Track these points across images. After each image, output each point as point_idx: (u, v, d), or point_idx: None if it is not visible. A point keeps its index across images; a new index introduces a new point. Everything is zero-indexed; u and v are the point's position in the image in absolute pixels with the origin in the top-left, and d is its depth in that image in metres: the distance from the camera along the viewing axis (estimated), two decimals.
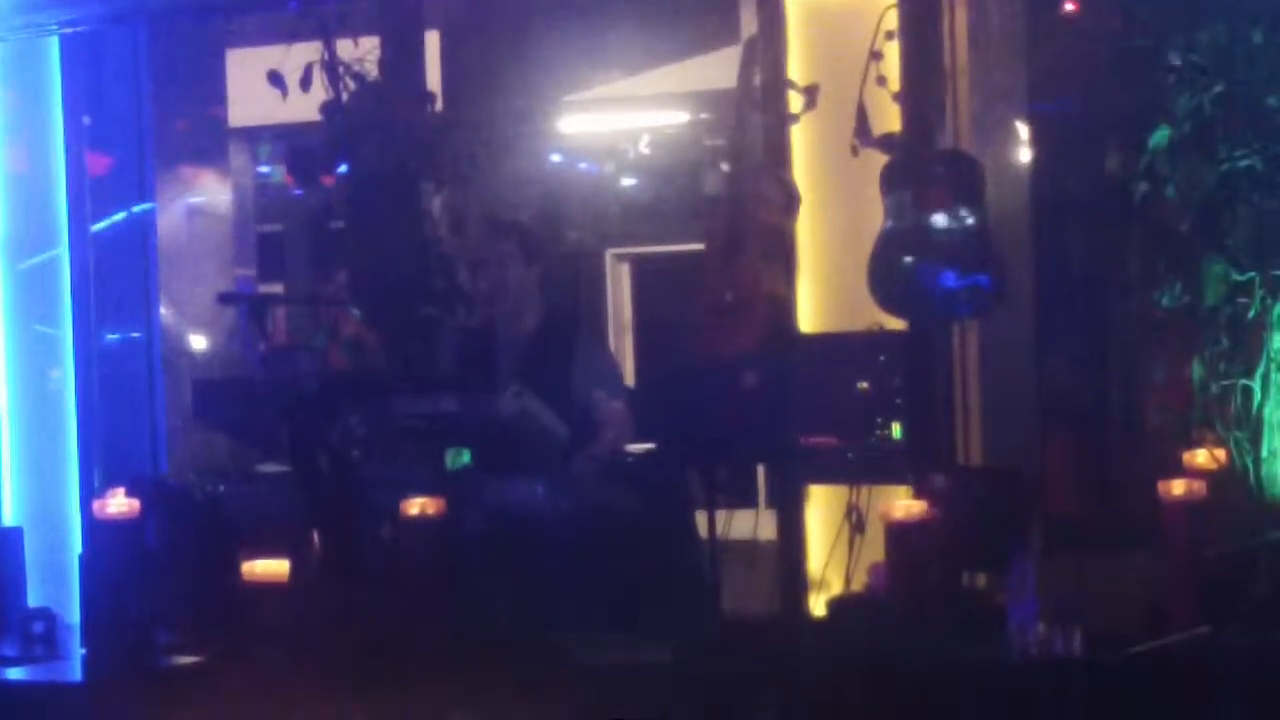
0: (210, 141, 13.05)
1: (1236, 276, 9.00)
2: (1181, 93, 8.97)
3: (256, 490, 9.20)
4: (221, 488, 9.36)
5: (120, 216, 10.98)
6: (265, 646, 7.64)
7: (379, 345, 10.69)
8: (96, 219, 10.82)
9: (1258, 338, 8.97)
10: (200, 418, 10.34)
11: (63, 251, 10.52)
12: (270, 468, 9.39)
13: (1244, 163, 8.88)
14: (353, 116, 10.66)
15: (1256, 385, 8.95)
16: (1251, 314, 8.99)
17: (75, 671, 8.84)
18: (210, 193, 13.08)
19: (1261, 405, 8.92)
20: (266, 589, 7.67)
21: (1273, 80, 8.81)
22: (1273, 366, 8.91)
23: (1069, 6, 9.85)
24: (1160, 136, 9.02)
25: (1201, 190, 8.93)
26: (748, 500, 11.60)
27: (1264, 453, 8.91)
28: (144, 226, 11.09)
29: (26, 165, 10.57)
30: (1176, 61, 8.96)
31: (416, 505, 8.33)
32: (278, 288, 14.41)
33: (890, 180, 9.32)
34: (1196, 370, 9.13)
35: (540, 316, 9.27)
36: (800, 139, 9.89)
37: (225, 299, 11.35)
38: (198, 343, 12.53)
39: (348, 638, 7.94)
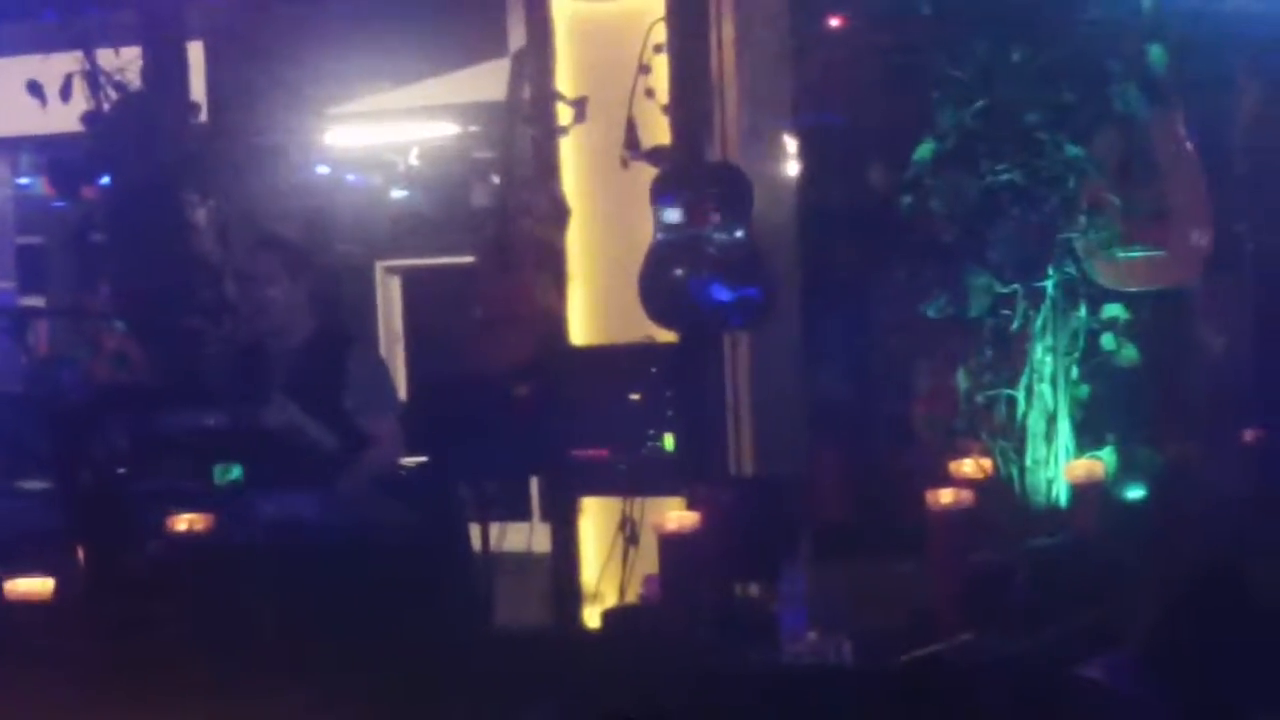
0: None
1: (1000, 289, 9.16)
2: (945, 107, 9.12)
3: (17, 506, 8.99)
4: None
5: None
6: (28, 666, 7.47)
7: (144, 359, 10.52)
8: None
9: (1021, 349, 9.13)
10: None
11: None
12: (33, 483, 9.18)
13: (1005, 177, 9.04)
14: (114, 126, 10.50)
15: (1020, 395, 9.11)
16: (1015, 325, 9.15)
17: None
18: None
19: (1025, 415, 9.09)
20: (30, 607, 7.51)
21: (1033, 96, 8.97)
22: (1035, 377, 9.08)
23: (834, 21, 9.97)
24: (925, 150, 9.15)
25: (965, 203, 9.08)
26: (521, 513, 11.58)
27: (1028, 461, 9.07)
28: None
29: None
30: (940, 76, 9.10)
31: (184, 521, 8.21)
32: (40, 300, 14.14)
33: (660, 192, 9.36)
34: (963, 380, 9.28)
35: (308, 330, 9.17)
36: (570, 151, 9.90)
37: None
38: None
39: (114, 655, 7.79)
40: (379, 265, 13.83)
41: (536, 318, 9.71)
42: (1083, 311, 9.12)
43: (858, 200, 10.31)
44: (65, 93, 10.34)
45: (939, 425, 9.39)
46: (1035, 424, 9.07)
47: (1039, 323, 9.09)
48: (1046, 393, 9.06)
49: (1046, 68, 8.95)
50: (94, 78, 10.43)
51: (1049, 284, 9.10)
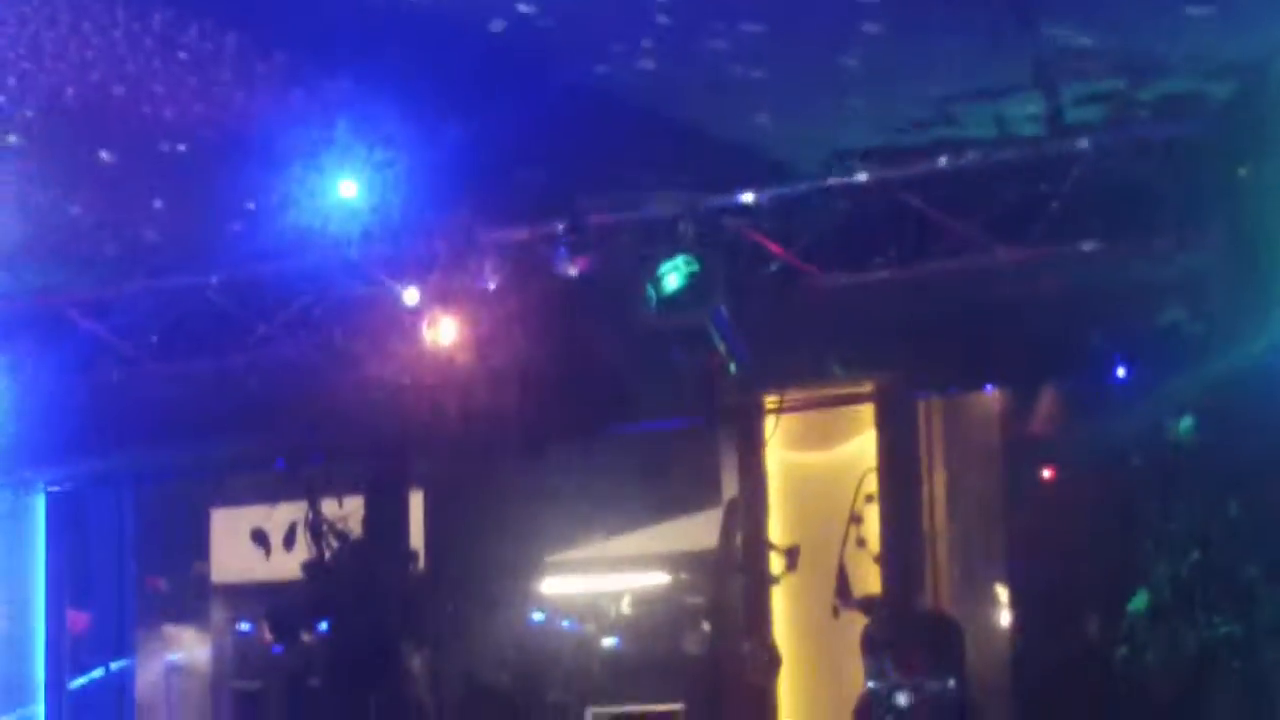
0: (192, 599, 13.06)
1: None
2: (1160, 558, 9.03)
3: None
4: None
5: (98, 673, 10.92)
6: None
7: None
8: (74, 675, 10.75)
9: None
10: None
11: (38, 708, 10.44)
12: None
13: (1224, 630, 8.89)
14: (335, 574, 10.69)
15: None
16: None
17: None
18: (190, 649, 13.03)
19: None
20: None
21: (1250, 549, 8.87)
22: None
23: (1046, 471, 10.00)
24: (1139, 601, 9.05)
25: (1181, 656, 8.92)
26: None
27: None
28: (121, 684, 11.03)
29: (6, 619, 10.56)
30: (1154, 527, 9.04)
31: None
32: None
33: (871, 642, 9.31)
34: None
35: None
36: (781, 599, 9.92)
37: None
38: None
39: None
40: (590, 711, 13.80)
41: None
42: None
43: (1072, 651, 10.17)
44: (289, 541, 10.57)
45: None
46: None
47: None
48: None
49: (1265, 519, 8.86)
50: (317, 526, 10.64)
51: None
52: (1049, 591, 10.44)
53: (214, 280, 9.91)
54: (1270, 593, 8.84)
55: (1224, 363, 8.34)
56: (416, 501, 11.54)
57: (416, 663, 10.68)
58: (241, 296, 9.92)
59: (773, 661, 9.81)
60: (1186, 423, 8.89)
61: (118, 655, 11.10)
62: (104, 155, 8.84)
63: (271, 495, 10.81)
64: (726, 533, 10.11)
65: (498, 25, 7.72)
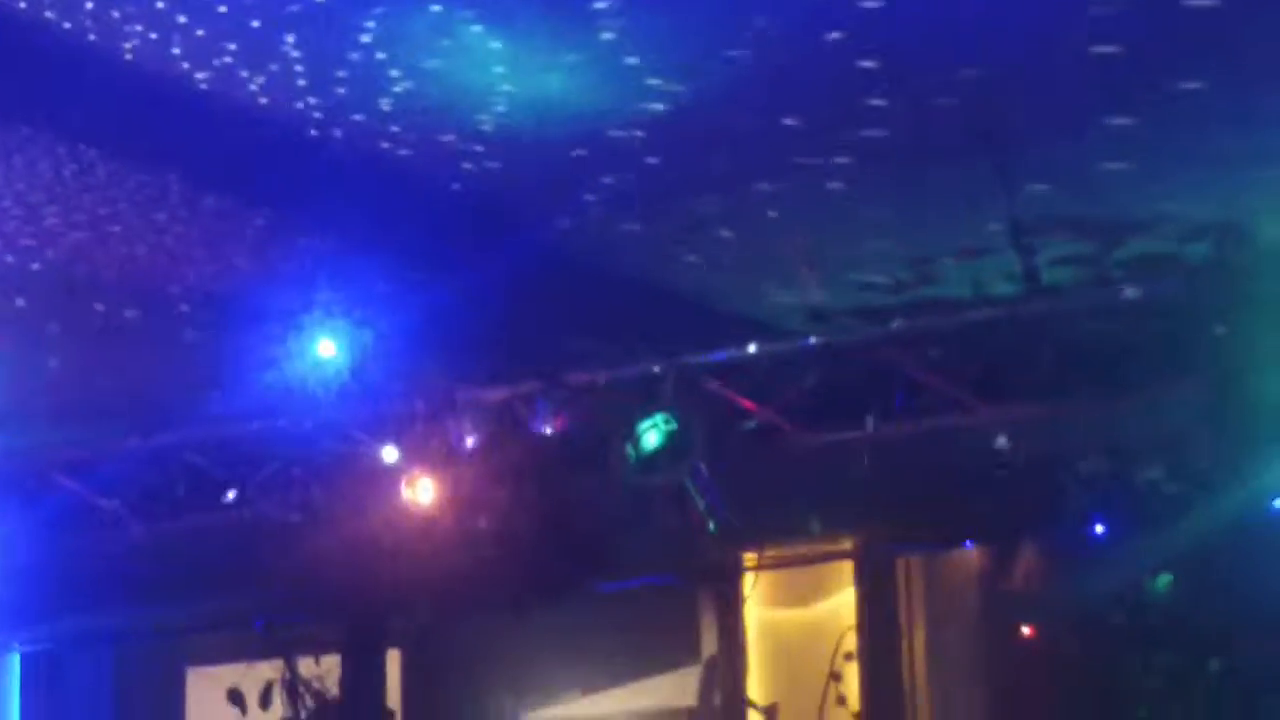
0: None
1: None
2: (1140, 717, 9.00)
3: None
4: None
5: None
6: None
7: None
8: None
9: None
10: None
11: None
12: None
13: None
14: None
15: None
16: None
17: None
18: None
19: None
20: None
21: (1231, 707, 8.85)
22: None
23: (1026, 630, 9.97)
24: None
25: None
26: None
27: None
28: None
29: None
30: (1133, 684, 9.02)
31: None
32: None
33: None
34: None
35: None
36: None
37: None
38: None
39: None
40: None
41: None
42: None
43: None
44: (265, 701, 10.50)
45: None
46: None
47: None
48: None
49: (1246, 676, 8.84)
50: (293, 686, 10.59)
51: None
52: None
53: (193, 440, 9.93)
54: None
55: (1202, 520, 8.38)
56: (394, 660, 11.49)
57: None
58: (220, 456, 9.95)
59: None
60: (1164, 579, 8.90)
61: None
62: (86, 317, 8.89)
63: (248, 654, 10.75)
64: (705, 691, 10.10)
65: (457, 185, 7.81)
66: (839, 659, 9.63)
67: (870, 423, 8.80)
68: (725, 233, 8.34)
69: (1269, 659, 8.83)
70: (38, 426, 10.12)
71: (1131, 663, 9.09)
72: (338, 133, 7.55)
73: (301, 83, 7.19)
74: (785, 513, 9.32)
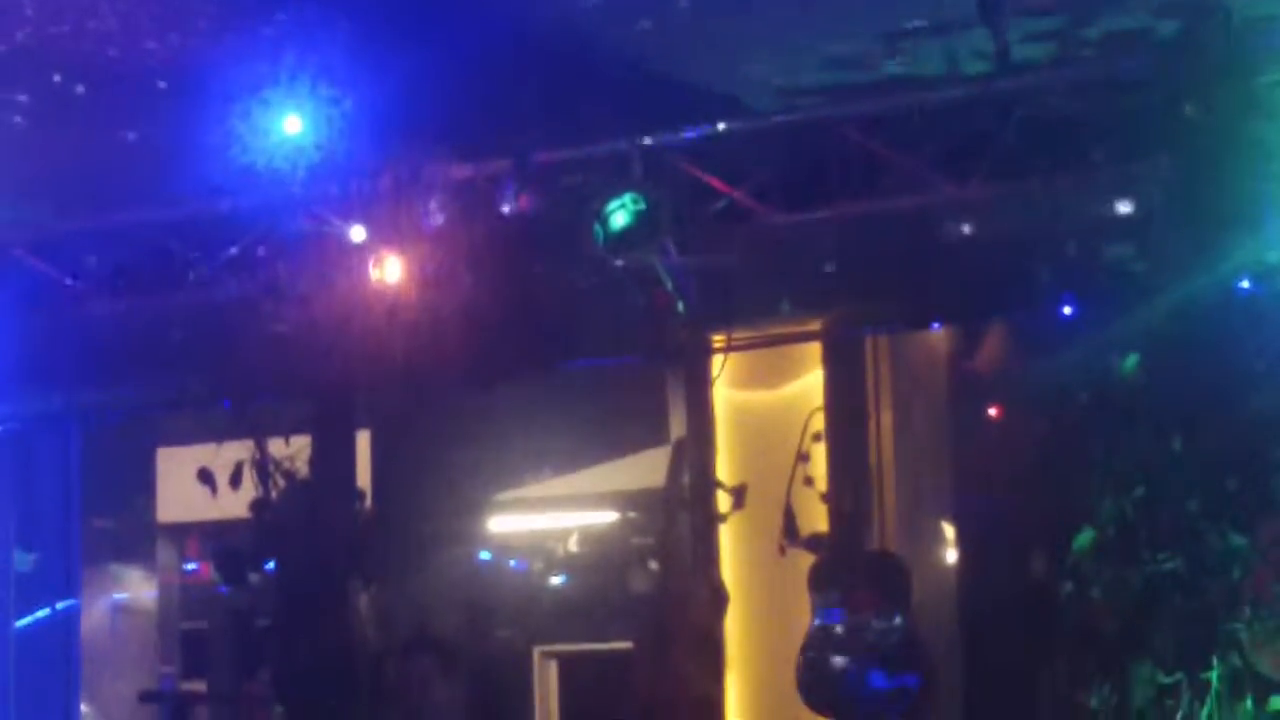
0: (138, 539, 13.02)
1: (1163, 679, 9.00)
2: (1104, 495, 9.08)
3: None
4: None
5: (44, 613, 10.89)
6: None
7: None
8: (20, 615, 10.72)
9: None
10: None
11: None
12: None
13: (1167, 566, 8.96)
14: (282, 514, 10.66)
15: None
16: (1179, 716, 8.98)
17: None
18: (136, 590, 13.00)
19: None
20: None
21: (1193, 486, 8.93)
22: None
23: (992, 410, 10.04)
24: (1084, 538, 9.10)
25: (1126, 592, 8.99)
26: None
27: None
28: (68, 624, 11.00)
29: None
30: (1099, 465, 9.09)
31: None
32: (201, 685, 14.22)
33: (818, 580, 9.37)
34: None
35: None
36: (728, 538, 9.95)
37: (147, 697, 11.22)
38: None
39: None
40: (536, 650, 13.82)
41: (694, 704, 9.66)
42: (1249, 704, 8.93)
43: (1018, 588, 10.22)
44: (235, 481, 10.51)
45: None
46: None
47: (1204, 714, 8.91)
48: None
49: (1208, 456, 8.91)
50: (264, 466, 10.60)
51: (1213, 675, 8.93)
52: (995, 529, 10.49)
53: (159, 218, 9.87)
54: (1213, 529, 8.91)
55: (1169, 300, 8.38)
56: (364, 441, 11.52)
57: (363, 602, 10.66)
58: (187, 235, 9.89)
59: (720, 600, 9.83)
60: (1131, 359, 8.93)
61: (64, 595, 11.06)
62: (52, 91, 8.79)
63: (218, 434, 10.76)
64: (674, 471, 10.12)
65: None
66: (807, 440, 9.66)
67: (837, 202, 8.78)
68: (701, 10, 8.24)
69: (1231, 439, 8.89)
70: (2, 206, 10.04)
71: (1096, 443, 9.15)
72: None
73: None
74: (753, 293, 9.32)
